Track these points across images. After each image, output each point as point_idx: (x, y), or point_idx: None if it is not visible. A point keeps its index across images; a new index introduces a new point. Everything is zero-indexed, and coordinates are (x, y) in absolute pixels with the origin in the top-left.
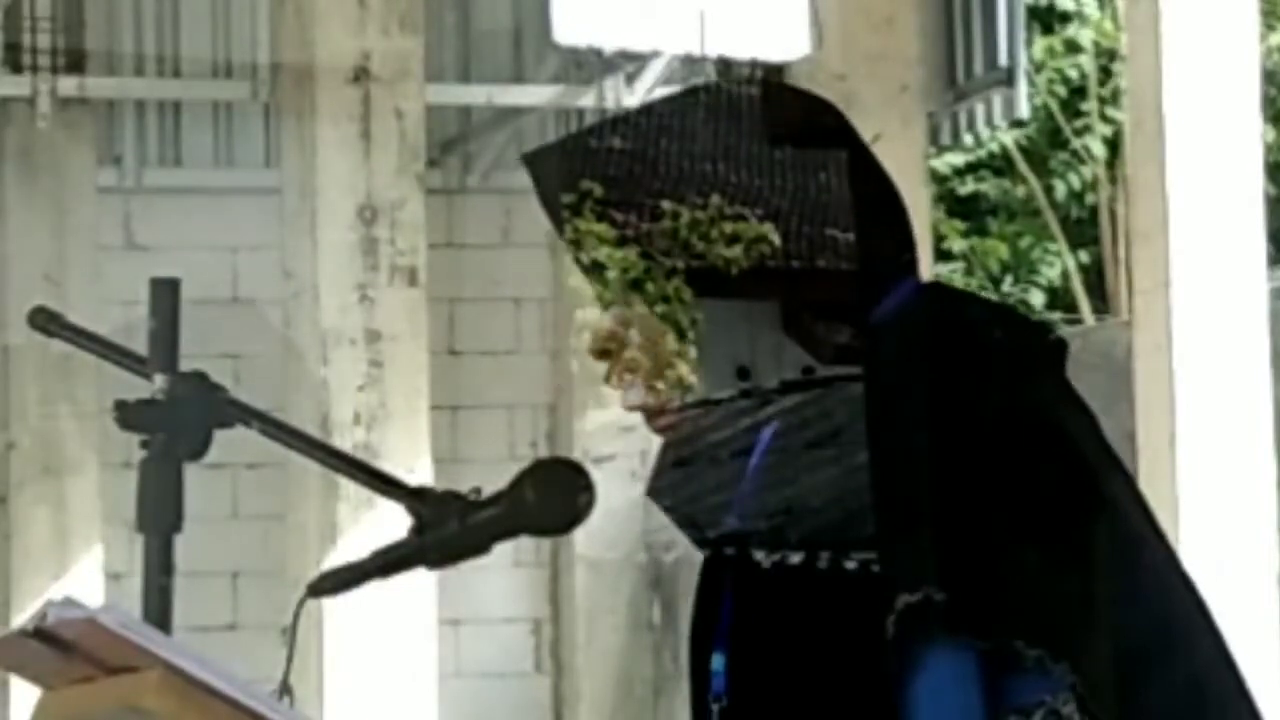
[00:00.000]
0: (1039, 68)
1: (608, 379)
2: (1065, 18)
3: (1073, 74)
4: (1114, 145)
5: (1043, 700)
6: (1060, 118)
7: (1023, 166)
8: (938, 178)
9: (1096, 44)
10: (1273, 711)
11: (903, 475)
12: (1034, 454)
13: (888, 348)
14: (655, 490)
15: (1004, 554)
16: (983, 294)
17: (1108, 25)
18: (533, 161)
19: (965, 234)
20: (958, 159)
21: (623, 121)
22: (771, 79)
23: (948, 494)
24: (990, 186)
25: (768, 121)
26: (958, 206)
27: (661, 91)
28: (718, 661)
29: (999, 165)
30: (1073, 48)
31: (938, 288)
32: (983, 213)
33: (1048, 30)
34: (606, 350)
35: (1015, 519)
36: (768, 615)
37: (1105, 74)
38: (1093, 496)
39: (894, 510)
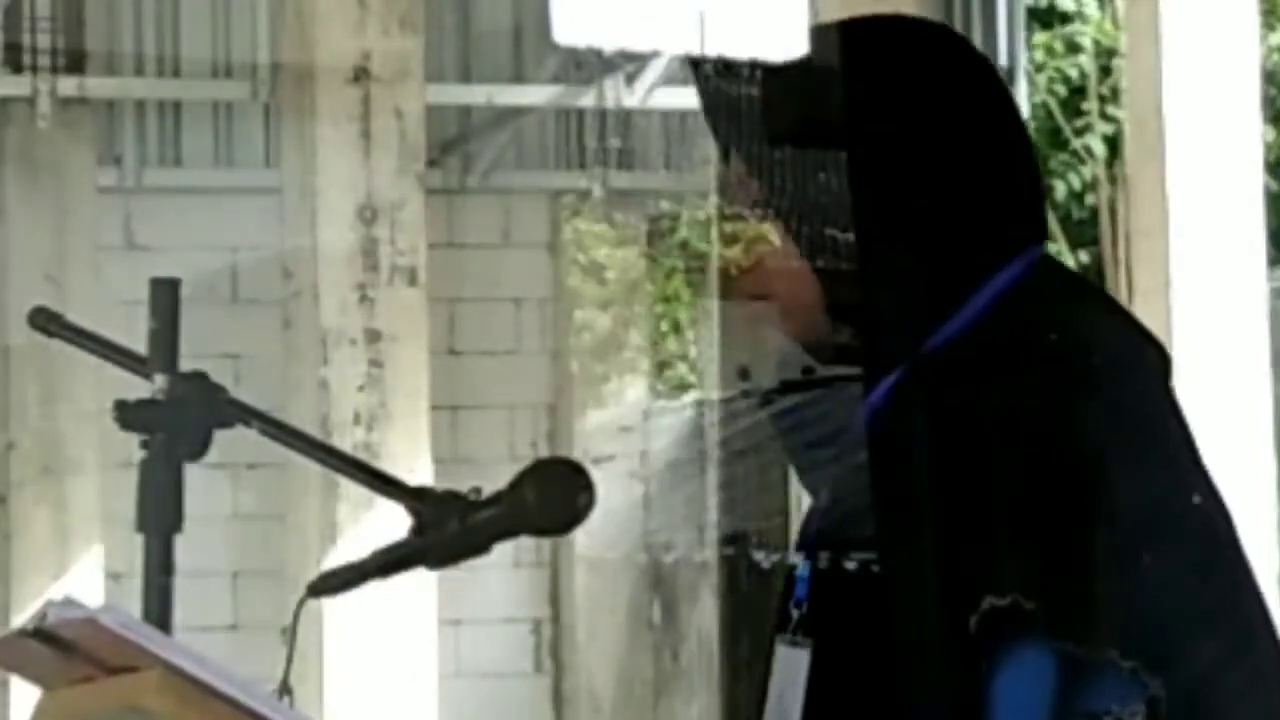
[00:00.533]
0: (1039, 67)
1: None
2: (1065, 18)
3: (1073, 73)
4: (1114, 144)
5: (1109, 709)
6: (1060, 117)
7: None
8: None
9: (1096, 42)
10: None
11: (1001, 486)
12: (1137, 468)
13: (967, 362)
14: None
15: (1104, 564)
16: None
17: (1108, 25)
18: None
19: None
20: None
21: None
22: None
23: (1048, 504)
24: None
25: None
26: None
27: (662, 92)
28: (803, 566)
29: None
30: (1073, 47)
31: (1048, 272)
32: None
33: (1046, 27)
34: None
35: (1118, 531)
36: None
37: (1105, 73)
38: (1194, 513)
39: (989, 517)
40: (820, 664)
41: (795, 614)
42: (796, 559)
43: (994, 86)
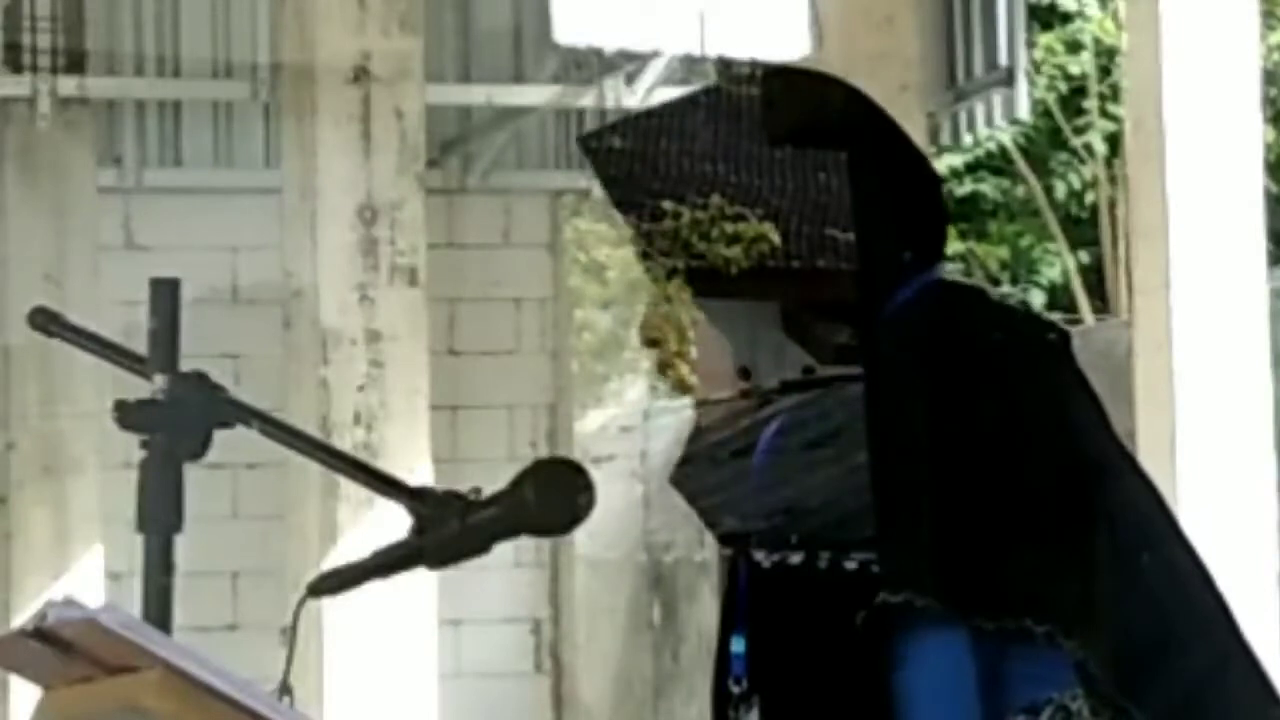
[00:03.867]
0: (1038, 66)
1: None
2: (1067, 18)
3: (1074, 70)
4: (1115, 143)
5: (1050, 697)
6: (1060, 117)
7: (1022, 166)
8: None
9: (1097, 40)
10: None
11: (899, 471)
12: (1035, 447)
13: (889, 344)
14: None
15: (1009, 539)
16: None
17: (1109, 24)
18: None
19: (964, 235)
20: (956, 160)
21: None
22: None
23: (949, 488)
24: (990, 187)
25: (787, 111)
26: (957, 208)
27: (661, 91)
28: (738, 644)
29: (998, 165)
30: (1074, 47)
31: (948, 285)
32: (983, 213)
33: (1047, 27)
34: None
35: (1020, 507)
36: (780, 606)
37: (1105, 73)
38: (1097, 485)
39: (889, 507)
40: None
41: (735, 690)
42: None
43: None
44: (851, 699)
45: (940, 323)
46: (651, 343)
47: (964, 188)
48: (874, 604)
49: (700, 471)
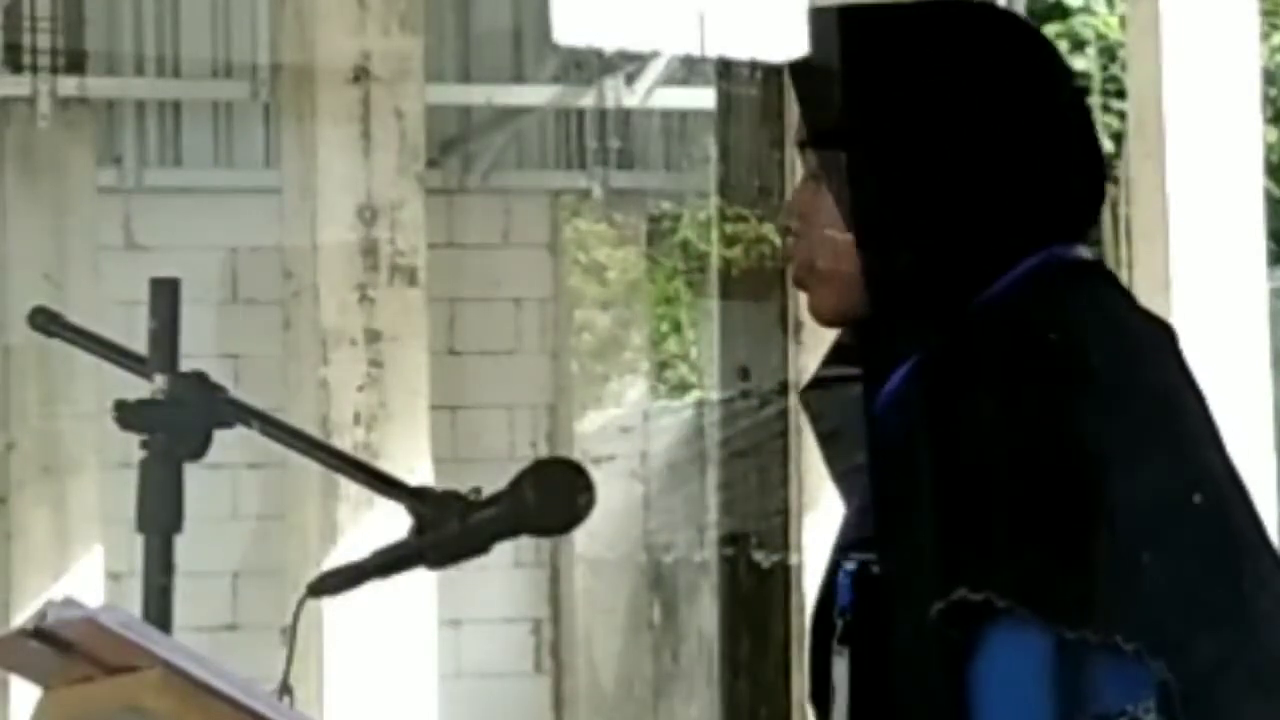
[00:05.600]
0: None
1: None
2: (1066, 13)
3: (1080, 66)
4: (1119, 141)
5: (1124, 709)
6: None
7: None
8: None
9: (1103, 36)
10: None
11: (990, 482)
12: (1138, 462)
13: (983, 337)
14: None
15: (1104, 556)
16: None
17: (1113, 20)
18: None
19: None
20: None
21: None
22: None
23: (1045, 492)
24: None
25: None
26: None
27: (662, 92)
28: (843, 574)
29: None
30: (1078, 44)
31: (1052, 277)
32: None
33: (1046, 21)
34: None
35: (1118, 519)
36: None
37: (1106, 71)
38: (1200, 504)
39: (978, 513)
40: (859, 670)
41: (840, 623)
42: (848, 563)
43: (1034, 78)
44: (926, 689)
45: (1040, 321)
46: (786, 230)
47: None
48: (951, 599)
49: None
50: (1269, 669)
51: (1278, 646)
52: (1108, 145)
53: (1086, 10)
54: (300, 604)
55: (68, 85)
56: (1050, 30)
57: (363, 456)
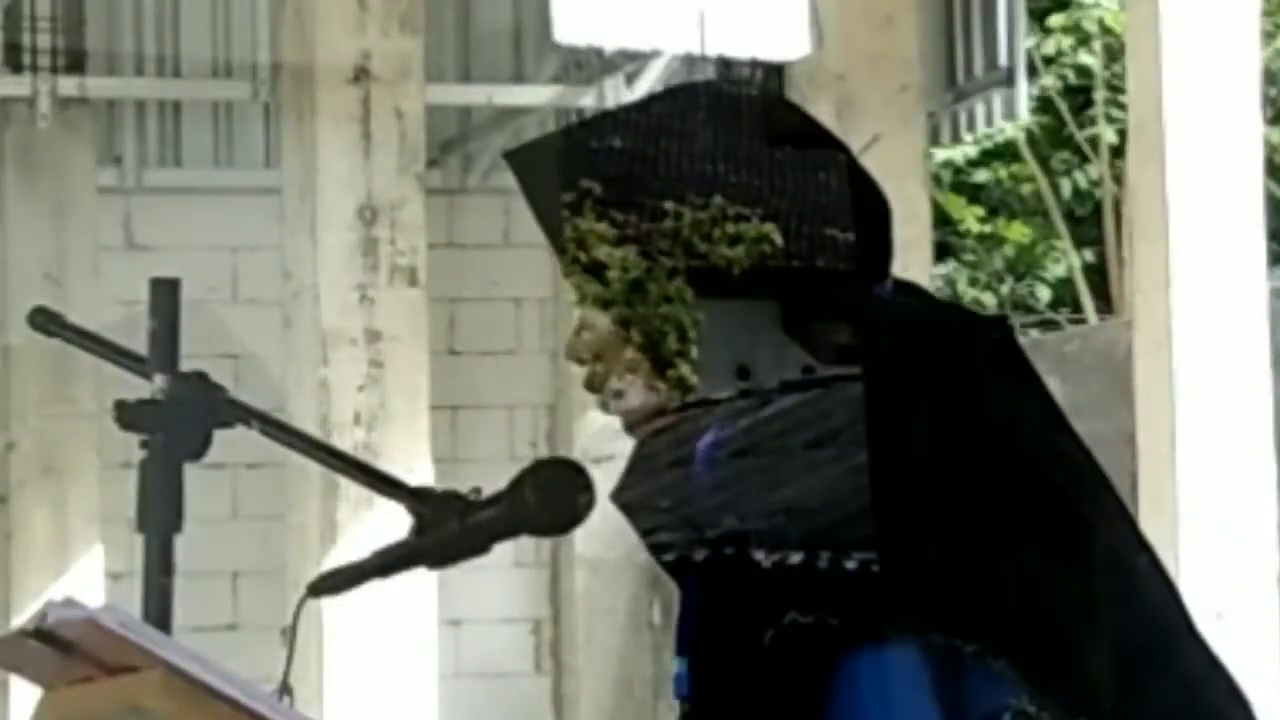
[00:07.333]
0: (1049, 61)
1: (600, 381)
2: (1065, 4)
3: (1085, 60)
4: (1123, 137)
5: (1008, 704)
6: (1067, 114)
7: (1033, 164)
8: (954, 167)
9: (1107, 30)
10: (1273, 712)
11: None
12: (972, 454)
13: (878, 341)
14: (621, 496)
15: (943, 553)
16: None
17: (1118, 16)
18: (518, 159)
19: (984, 219)
20: (972, 150)
21: (616, 119)
22: (769, 87)
23: (891, 500)
24: (1004, 175)
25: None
26: (976, 194)
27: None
28: (679, 665)
29: (1014, 155)
30: (1083, 40)
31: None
32: (997, 201)
33: (1045, 17)
34: (600, 355)
35: (955, 519)
36: (728, 619)
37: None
38: (1039, 494)
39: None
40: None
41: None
42: (677, 662)
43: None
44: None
45: (895, 328)
46: (580, 361)
47: (978, 176)
48: (782, 624)
49: (672, 481)
50: (1140, 645)
51: (1120, 628)
52: (1116, 139)
53: (1097, 5)
54: (300, 604)
55: (68, 85)
56: (1055, 20)
57: (363, 456)
